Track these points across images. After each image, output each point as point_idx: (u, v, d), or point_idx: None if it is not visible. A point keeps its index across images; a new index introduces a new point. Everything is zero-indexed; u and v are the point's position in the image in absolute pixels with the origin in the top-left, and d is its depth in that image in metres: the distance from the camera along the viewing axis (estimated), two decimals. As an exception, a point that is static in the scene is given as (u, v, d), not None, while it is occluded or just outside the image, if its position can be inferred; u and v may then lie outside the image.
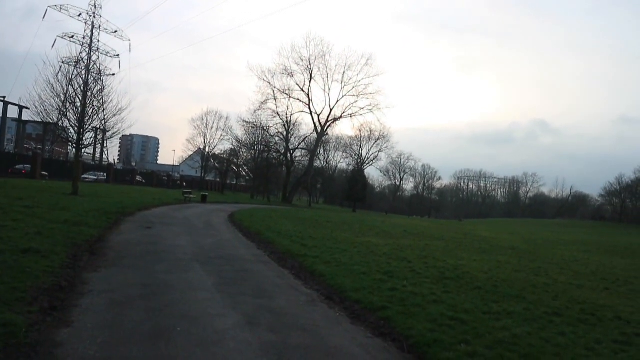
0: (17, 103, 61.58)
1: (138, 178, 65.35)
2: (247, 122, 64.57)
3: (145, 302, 6.05)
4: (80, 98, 24.05)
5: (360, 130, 78.44)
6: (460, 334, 5.86)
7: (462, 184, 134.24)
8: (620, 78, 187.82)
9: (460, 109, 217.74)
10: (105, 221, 13.91)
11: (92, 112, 24.64)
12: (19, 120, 66.28)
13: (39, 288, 5.81)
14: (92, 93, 24.78)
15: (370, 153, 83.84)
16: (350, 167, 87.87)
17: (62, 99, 23.21)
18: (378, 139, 79.83)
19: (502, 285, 9.81)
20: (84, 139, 25.42)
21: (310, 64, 64.95)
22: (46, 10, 71.06)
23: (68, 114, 23.78)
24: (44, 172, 39.99)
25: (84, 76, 26.18)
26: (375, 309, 6.88)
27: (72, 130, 24.96)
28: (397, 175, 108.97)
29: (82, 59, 51.82)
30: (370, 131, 77.25)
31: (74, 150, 27.95)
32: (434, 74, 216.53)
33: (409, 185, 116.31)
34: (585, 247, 28.03)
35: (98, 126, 29.14)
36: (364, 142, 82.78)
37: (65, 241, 9.24)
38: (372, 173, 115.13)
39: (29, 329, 4.54)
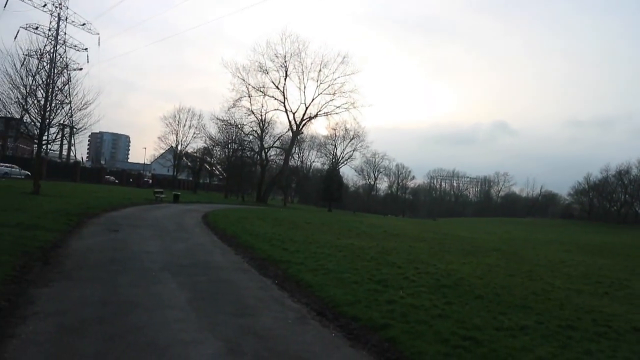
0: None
1: (110, 178, 63.30)
2: (221, 120, 62.93)
3: (103, 326, 4.96)
4: (43, 91, 22.55)
5: (335, 129, 77.64)
6: (479, 359, 5.03)
7: (434, 183, 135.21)
8: (573, 82, 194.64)
9: (427, 109, 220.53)
10: (66, 224, 12.62)
11: (55, 106, 23.16)
12: (-24, 116, 63.06)
13: (-33, 313, 4.71)
14: (55, 86, 23.32)
15: (345, 152, 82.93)
16: (325, 167, 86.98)
17: (23, 91, 21.68)
18: (353, 138, 78.93)
19: (502, 293, 9.09)
20: (47, 134, 23.93)
21: (285, 61, 63.63)
22: (7, 0, 67.56)
23: (29, 108, 22.26)
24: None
25: (47, 69, 24.64)
26: (376, 327, 5.98)
27: (34, 126, 23.41)
28: (372, 175, 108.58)
29: (48, 51, 49.67)
30: (346, 130, 76.48)
31: (38, 147, 26.27)
32: (402, 74, 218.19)
33: (383, 184, 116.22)
34: (563, 246, 27.90)
35: (63, 121, 27.57)
36: (339, 141, 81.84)
37: (14, 248, 8.03)
38: (347, 172, 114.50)
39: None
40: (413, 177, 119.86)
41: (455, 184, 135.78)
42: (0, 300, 5.32)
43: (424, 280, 9.55)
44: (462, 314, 6.96)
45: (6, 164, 41.18)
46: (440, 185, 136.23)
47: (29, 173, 41.01)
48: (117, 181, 62.81)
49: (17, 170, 40.76)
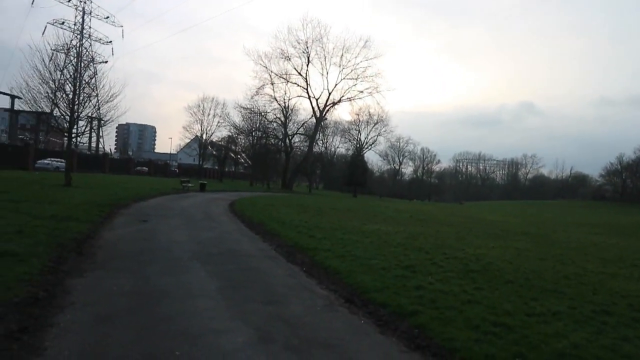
0: (9, 93, 60.25)
1: (143, 169, 64.66)
2: (245, 108, 63.26)
3: (136, 316, 5.08)
4: (71, 85, 22.99)
5: (358, 115, 77.18)
6: (511, 345, 4.95)
7: (460, 166, 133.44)
8: (600, 61, 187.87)
9: (451, 92, 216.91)
10: (97, 215, 12.89)
11: (83, 100, 23.60)
12: (11, 110, 64.76)
13: (8, 303, 4.85)
14: (83, 80, 23.73)
15: (369, 137, 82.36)
16: (349, 152, 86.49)
17: (52, 86, 22.13)
18: (376, 122, 78.31)
19: (533, 277, 8.93)
20: (76, 127, 24.45)
21: (307, 47, 63.32)
22: (34, -4, 68.91)
23: (58, 102, 22.74)
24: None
25: (74, 64, 25.07)
26: (405, 313, 5.94)
27: (63, 119, 23.94)
28: (397, 159, 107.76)
29: (74, 46, 50.52)
30: (369, 115, 75.90)
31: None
32: (424, 57, 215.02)
33: (408, 169, 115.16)
34: (595, 229, 27.30)
35: (91, 114, 28.15)
36: (363, 127, 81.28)
37: (49, 240, 8.23)
38: (371, 157, 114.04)
39: (-14, 362, 3.60)
40: (438, 161, 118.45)
41: (481, 167, 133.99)
42: (39, 290, 5.47)
43: (452, 266, 9.45)
44: (492, 299, 6.86)
45: (58, 159, 42.84)
46: (467, 168, 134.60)
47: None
48: (145, 168, 64.04)
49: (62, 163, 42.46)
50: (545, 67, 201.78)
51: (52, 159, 43.50)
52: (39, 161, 41.47)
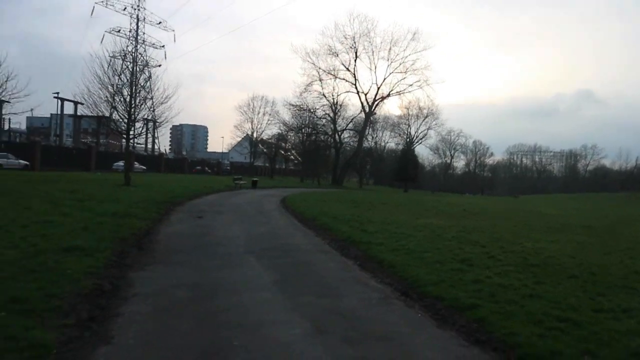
0: (72, 99, 63.68)
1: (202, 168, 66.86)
2: (294, 105, 63.68)
3: (195, 307, 5.23)
4: (128, 89, 24.03)
5: (408, 108, 76.01)
6: (578, 342, 4.70)
7: (514, 158, 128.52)
8: None
9: (503, 83, 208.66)
10: (155, 212, 13.42)
11: (139, 102, 24.60)
12: (74, 116, 68.39)
13: (78, 294, 5.12)
14: (138, 84, 24.73)
15: (420, 131, 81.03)
16: (399, 147, 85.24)
17: (110, 90, 23.20)
18: (426, 116, 76.76)
19: (598, 272, 8.45)
20: (133, 129, 25.48)
21: (354, 42, 62.94)
22: (93, 7, 72.79)
23: (117, 105, 23.82)
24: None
25: (131, 68, 26.19)
26: (463, 307, 5.79)
27: (122, 122, 25.05)
28: (448, 153, 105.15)
29: (130, 51, 52.82)
30: (419, 108, 74.58)
31: (127, 142, 28.14)
32: (474, 48, 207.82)
33: (460, 162, 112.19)
34: (665, 222, 25.61)
35: (146, 116, 29.32)
36: (413, 120, 79.94)
37: (112, 236, 8.65)
38: (422, 151, 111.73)
39: (60, 349, 3.80)
40: (491, 154, 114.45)
41: (537, 159, 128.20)
42: (105, 283, 5.75)
43: (510, 259, 9.12)
44: (555, 294, 6.55)
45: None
46: (521, 161, 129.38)
47: (144, 167, 47.96)
48: (200, 168, 66.03)
49: (137, 165, 45.41)
50: (602, 53, 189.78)
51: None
52: (115, 164, 44.81)
